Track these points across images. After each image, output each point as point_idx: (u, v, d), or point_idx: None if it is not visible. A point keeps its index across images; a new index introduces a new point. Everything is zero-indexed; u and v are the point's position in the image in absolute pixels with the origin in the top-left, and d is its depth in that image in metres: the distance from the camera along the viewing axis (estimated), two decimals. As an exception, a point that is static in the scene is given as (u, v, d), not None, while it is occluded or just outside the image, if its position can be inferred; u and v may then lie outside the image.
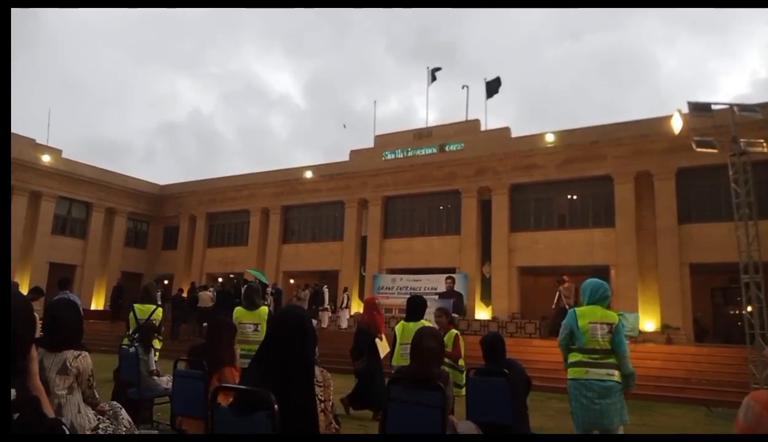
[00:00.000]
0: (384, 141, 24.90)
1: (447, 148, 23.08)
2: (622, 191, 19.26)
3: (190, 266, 29.45)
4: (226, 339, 4.36)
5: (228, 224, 29.47)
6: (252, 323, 5.86)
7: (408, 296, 6.69)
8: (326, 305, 20.35)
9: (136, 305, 7.36)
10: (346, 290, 21.39)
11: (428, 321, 5.79)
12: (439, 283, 20.79)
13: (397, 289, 22.03)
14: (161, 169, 75.86)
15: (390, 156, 24.38)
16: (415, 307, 5.83)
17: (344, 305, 20.69)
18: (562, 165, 20.50)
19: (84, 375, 3.44)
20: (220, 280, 25.94)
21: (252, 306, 6.02)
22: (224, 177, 29.93)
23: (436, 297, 17.41)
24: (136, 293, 25.72)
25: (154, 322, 7.05)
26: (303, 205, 26.93)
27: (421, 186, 23.34)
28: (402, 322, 5.75)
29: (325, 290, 20.63)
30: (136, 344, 6.54)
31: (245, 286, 6.24)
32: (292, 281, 27.19)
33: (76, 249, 27.13)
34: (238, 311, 6.03)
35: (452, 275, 21.41)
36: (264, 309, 6.01)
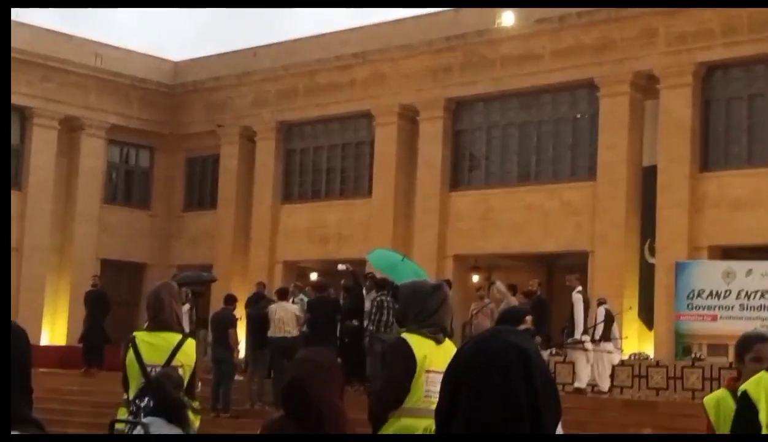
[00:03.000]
0: None
1: None
2: None
3: (246, 246, 31.38)
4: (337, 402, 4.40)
5: (327, 149, 30.91)
6: None
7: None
8: (579, 336, 21.03)
9: (139, 335, 7.71)
10: (602, 301, 22.00)
11: None
12: None
13: (739, 297, 21.84)
14: (170, 20, 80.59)
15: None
16: None
17: (614, 333, 21.30)
18: None
19: None
20: (314, 277, 27.15)
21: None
22: (312, 37, 31.22)
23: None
24: (135, 307, 27.32)
25: (179, 371, 7.35)
26: (494, 99, 27.54)
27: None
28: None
29: (577, 297, 21.11)
30: (144, 422, 6.83)
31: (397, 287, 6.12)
32: (475, 279, 27.95)
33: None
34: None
35: None
36: None
